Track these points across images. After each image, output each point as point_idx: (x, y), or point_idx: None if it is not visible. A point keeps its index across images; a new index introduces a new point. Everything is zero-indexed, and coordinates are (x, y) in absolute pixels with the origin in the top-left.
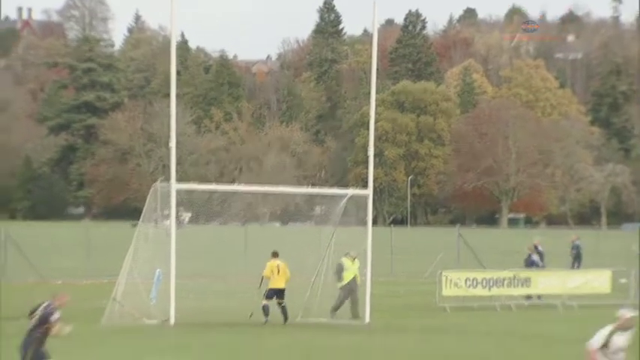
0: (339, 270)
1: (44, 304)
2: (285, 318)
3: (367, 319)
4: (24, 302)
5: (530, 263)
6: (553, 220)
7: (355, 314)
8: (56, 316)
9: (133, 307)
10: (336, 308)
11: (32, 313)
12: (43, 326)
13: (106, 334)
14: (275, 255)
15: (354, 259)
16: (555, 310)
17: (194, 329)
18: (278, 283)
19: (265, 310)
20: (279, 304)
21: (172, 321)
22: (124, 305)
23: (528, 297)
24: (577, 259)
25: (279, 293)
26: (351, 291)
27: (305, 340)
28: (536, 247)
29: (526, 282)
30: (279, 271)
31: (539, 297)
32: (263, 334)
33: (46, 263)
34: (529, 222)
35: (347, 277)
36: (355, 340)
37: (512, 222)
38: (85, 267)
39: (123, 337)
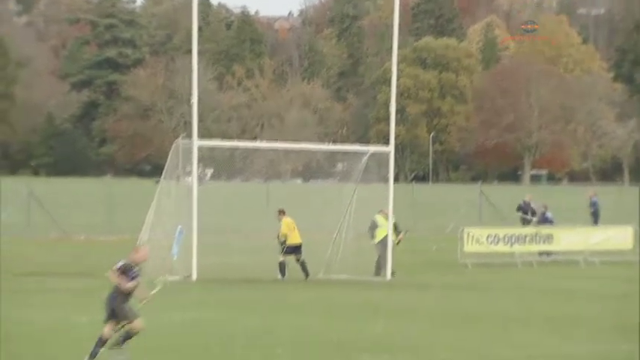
0: (373, 227)
1: (125, 260)
2: (307, 274)
3: (389, 276)
4: (47, 258)
5: (543, 220)
6: (575, 177)
7: (377, 272)
8: (134, 271)
9: (154, 263)
10: (379, 267)
11: (115, 269)
12: (123, 283)
13: None
14: (283, 212)
15: (387, 216)
16: (577, 267)
17: (216, 285)
18: (296, 239)
19: (282, 267)
20: (298, 259)
21: (194, 277)
22: (146, 261)
23: (541, 254)
24: (595, 216)
25: (297, 249)
26: (384, 248)
27: (326, 297)
28: (528, 204)
29: (548, 238)
30: (294, 227)
31: (548, 254)
32: (284, 290)
33: (69, 219)
34: (551, 178)
35: (380, 234)
36: (376, 297)
37: (535, 178)
38: (107, 223)
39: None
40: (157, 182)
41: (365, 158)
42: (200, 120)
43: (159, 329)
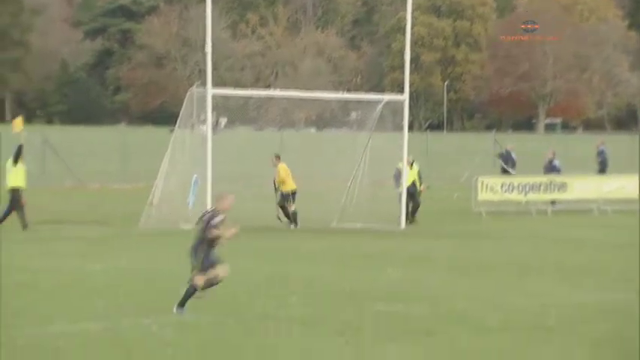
0: (397, 175)
1: (210, 209)
2: (296, 224)
3: (402, 225)
4: (62, 206)
5: (550, 168)
6: (590, 125)
7: (412, 219)
8: (218, 219)
9: (169, 212)
10: (413, 212)
11: (201, 218)
12: (208, 231)
13: (142, 238)
14: (278, 158)
15: (411, 164)
16: (590, 215)
17: None
18: (292, 185)
19: (295, 215)
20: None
21: None
22: (161, 210)
23: (553, 202)
24: (602, 165)
25: (293, 196)
26: (410, 195)
27: (340, 246)
28: (509, 152)
29: (562, 187)
30: (290, 173)
31: (553, 203)
32: (298, 239)
33: (84, 167)
34: (566, 127)
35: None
36: (390, 246)
37: (549, 127)
38: (121, 171)
39: (159, 241)
40: (172, 131)
41: (379, 107)
42: (214, 68)
43: (174, 275)
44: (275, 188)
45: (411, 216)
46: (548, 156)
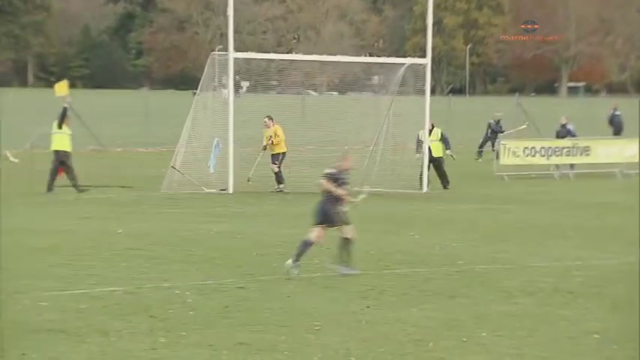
0: (418, 142)
1: (334, 168)
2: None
3: (425, 188)
4: (84, 170)
5: (565, 133)
6: (613, 88)
7: (446, 187)
8: (344, 178)
9: (191, 176)
10: (444, 183)
11: (326, 177)
12: (334, 190)
13: (164, 202)
14: (271, 119)
15: (431, 130)
16: (614, 179)
17: (252, 198)
18: (284, 148)
19: (280, 176)
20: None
21: (231, 190)
22: (184, 173)
23: (572, 166)
24: (617, 129)
25: (283, 157)
26: (436, 166)
27: (362, 209)
28: (497, 122)
29: (585, 150)
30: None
31: (571, 166)
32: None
33: (106, 131)
34: (589, 90)
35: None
36: (413, 209)
37: (572, 90)
38: (143, 135)
39: (181, 205)
40: (195, 94)
41: (401, 70)
42: (236, 32)
43: (196, 239)
44: (264, 148)
45: (443, 188)
46: (561, 121)
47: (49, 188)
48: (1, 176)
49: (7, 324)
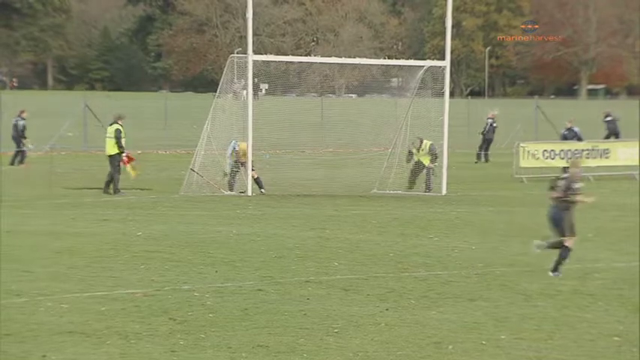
0: (433, 148)
1: (565, 174)
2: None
3: (444, 191)
4: (103, 171)
5: (572, 135)
6: (633, 91)
7: (410, 186)
8: (579, 185)
9: (210, 178)
10: (411, 183)
11: (553, 185)
12: (567, 196)
13: (183, 204)
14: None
15: (420, 145)
16: (634, 182)
17: (270, 200)
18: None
19: (259, 181)
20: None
21: (249, 192)
22: (202, 176)
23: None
24: (610, 133)
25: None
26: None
27: (381, 212)
28: (493, 120)
29: (605, 153)
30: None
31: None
32: (338, 205)
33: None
34: (609, 93)
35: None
36: (431, 211)
37: (592, 93)
38: (163, 137)
39: (201, 207)
40: (216, 96)
41: (420, 73)
42: (255, 34)
43: (215, 241)
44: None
45: (408, 189)
46: (567, 124)
47: (114, 189)
48: (18, 178)
49: (29, 326)
